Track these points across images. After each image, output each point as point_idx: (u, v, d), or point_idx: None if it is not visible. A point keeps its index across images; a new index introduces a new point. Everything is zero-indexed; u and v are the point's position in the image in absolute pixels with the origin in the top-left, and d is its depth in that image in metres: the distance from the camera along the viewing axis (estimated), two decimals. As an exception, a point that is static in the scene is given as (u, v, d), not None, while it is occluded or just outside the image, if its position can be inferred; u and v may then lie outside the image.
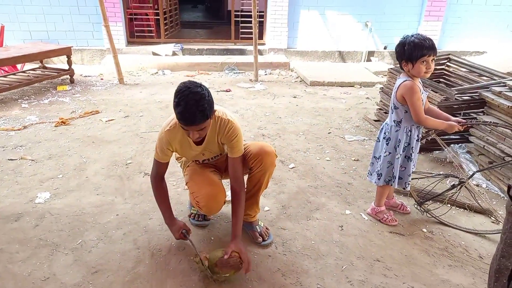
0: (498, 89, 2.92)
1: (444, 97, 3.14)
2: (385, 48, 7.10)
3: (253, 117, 4.24)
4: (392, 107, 2.21)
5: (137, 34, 6.93)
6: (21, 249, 2.09)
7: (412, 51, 2.01)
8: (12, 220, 2.33)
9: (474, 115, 3.19)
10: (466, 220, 2.48)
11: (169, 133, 1.91)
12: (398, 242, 2.24)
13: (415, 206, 2.52)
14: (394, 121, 2.22)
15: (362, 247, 2.19)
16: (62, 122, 3.88)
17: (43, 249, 2.09)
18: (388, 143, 2.25)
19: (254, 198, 2.15)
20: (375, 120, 4.09)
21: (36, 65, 5.52)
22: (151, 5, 7.34)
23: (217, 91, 5.16)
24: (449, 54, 3.96)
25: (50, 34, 6.33)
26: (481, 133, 2.97)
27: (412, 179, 2.32)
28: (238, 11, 6.86)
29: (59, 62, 6.24)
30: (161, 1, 6.86)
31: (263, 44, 6.98)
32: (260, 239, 2.17)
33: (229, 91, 5.25)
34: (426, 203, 2.50)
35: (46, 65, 5.53)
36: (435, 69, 3.91)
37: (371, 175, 2.39)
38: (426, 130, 2.62)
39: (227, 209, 2.39)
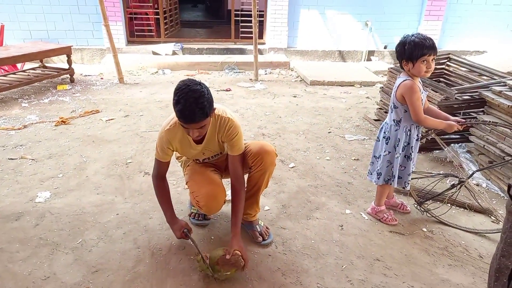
0: (498, 88, 2.92)
1: (444, 97, 3.14)
2: (385, 47, 7.10)
3: (253, 117, 4.24)
4: (392, 106, 2.21)
5: (137, 33, 6.92)
6: (22, 248, 2.09)
7: (413, 50, 2.01)
8: (13, 220, 2.33)
9: (474, 115, 3.19)
10: (466, 220, 2.48)
11: (169, 132, 1.91)
12: (398, 242, 2.24)
13: (415, 206, 2.53)
14: (393, 120, 2.22)
15: (362, 247, 2.19)
16: (62, 121, 3.88)
17: (44, 248, 2.09)
18: (387, 142, 2.25)
19: (254, 197, 2.15)
20: (375, 120, 4.10)
21: (36, 65, 5.52)
22: (151, 4, 7.32)
23: (217, 91, 5.16)
24: (449, 54, 3.96)
25: (50, 34, 6.32)
26: (481, 133, 2.97)
27: (412, 178, 2.32)
28: (238, 10, 6.85)
29: (59, 62, 6.24)
30: (161, 0, 6.85)
31: (263, 43, 6.98)
32: (260, 238, 2.17)
33: (229, 90, 5.24)
34: (426, 202, 2.50)
35: (46, 65, 5.54)
36: (435, 69, 3.90)
37: (371, 174, 2.39)
38: (426, 130, 2.62)
39: (227, 208, 2.39)
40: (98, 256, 2.04)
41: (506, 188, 2.68)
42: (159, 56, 6.54)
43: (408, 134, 2.20)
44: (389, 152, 2.26)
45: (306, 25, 6.85)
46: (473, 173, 2.51)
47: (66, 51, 5.23)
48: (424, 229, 2.36)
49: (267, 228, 2.25)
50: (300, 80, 5.94)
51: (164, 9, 7.01)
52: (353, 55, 7.04)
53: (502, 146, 2.75)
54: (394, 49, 2.16)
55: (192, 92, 1.66)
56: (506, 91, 2.84)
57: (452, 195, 2.49)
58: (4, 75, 4.92)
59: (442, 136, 3.30)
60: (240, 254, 1.86)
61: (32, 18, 6.19)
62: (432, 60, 2.03)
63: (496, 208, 2.57)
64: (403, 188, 2.34)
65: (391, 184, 2.31)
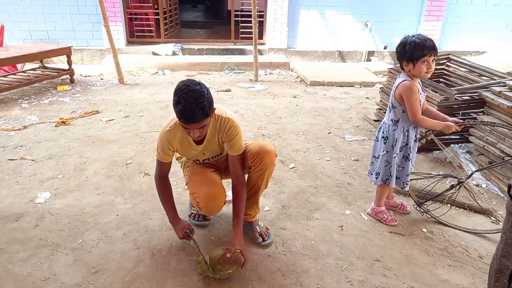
0: (498, 89, 2.92)
1: (444, 97, 3.14)
2: (385, 48, 7.10)
3: (253, 117, 4.24)
4: (390, 106, 2.22)
5: (137, 34, 6.92)
6: (21, 249, 2.09)
7: (413, 51, 2.01)
8: (12, 220, 2.33)
9: (474, 115, 3.19)
10: (466, 220, 2.48)
11: (169, 133, 1.91)
12: (398, 242, 2.24)
13: (415, 206, 2.53)
14: (391, 120, 2.23)
15: (362, 247, 2.19)
16: (62, 122, 3.88)
17: (43, 249, 2.09)
18: (385, 142, 2.26)
19: (254, 197, 2.15)
20: (375, 120, 4.10)
21: (36, 65, 5.52)
22: (151, 4, 7.33)
23: (217, 91, 5.16)
24: (449, 54, 3.96)
25: (50, 34, 6.32)
26: (481, 133, 2.97)
27: (411, 179, 2.32)
28: (238, 10, 6.86)
29: (59, 62, 6.24)
30: (161, 0, 6.86)
31: (263, 44, 6.98)
32: (260, 239, 2.17)
33: (229, 91, 5.25)
34: (425, 203, 2.50)
35: (46, 65, 5.53)
36: (435, 69, 3.90)
37: (371, 174, 2.39)
38: (426, 130, 2.62)
39: (227, 209, 2.40)
40: (98, 257, 2.04)
41: (506, 189, 2.69)
42: (159, 56, 6.54)
43: (406, 135, 2.21)
44: (387, 152, 2.27)
45: (306, 25, 6.85)
46: (472, 174, 2.51)
47: (66, 52, 5.23)
48: (424, 230, 2.36)
49: (267, 228, 2.25)
50: (300, 81, 5.94)
51: (164, 10, 7.02)
52: (353, 56, 7.05)
53: (502, 147, 2.75)
54: (395, 50, 2.16)
55: (192, 92, 1.66)
56: (505, 91, 2.84)
57: (452, 195, 2.49)
58: (4, 76, 4.92)
59: (442, 137, 3.30)
60: (240, 252, 1.86)
61: (32, 18, 6.19)
62: (432, 61, 2.04)
63: (496, 208, 2.57)
64: (402, 188, 2.34)
65: (389, 184, 2.31)
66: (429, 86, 3.31)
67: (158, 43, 6.86)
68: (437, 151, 3.36)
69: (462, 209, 2.59)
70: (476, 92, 3.15)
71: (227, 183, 2.60)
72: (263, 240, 2.18)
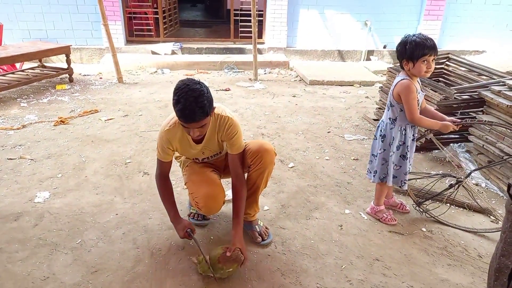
0: (497, 88, 2.92)
1: (443, 96, 3.14)
2: (384, 47, 7.10)
3: (253, 116, 4.24)
4: (388, 105, 2.23)
5: (136, 33, 6.91)
6: (21, 248, 2.09)
7: (414, 50, 2.02)
8: (12, 220, 2.33)
9: (474, 114, 3.19)
10: (466, 220, 2.48)
11: (169, 132, 1.91)
12: (397, 242, 2.25)
13: (414, 206, 2.53)
14: (389, 118, 2.24)
15: (362, 247, 2.19)
16: (61, 121, 3.87)
17: (43, 248, 2.09)
18: (383, 140, 2.28)
19: (254, 196, 2.15)
20: (375, 119, 4.09)
21: (35, 64, 5.51)
22: (150, 3, 7.32)
23: (217, 90, 5.15)
24: (449, 53, 3.96)
25: (49, 33, 6.31)
26: (481, 133, 2.97)
27: (410, 179, 2.32)
28: (237, 10, 6.85)
29: (58, 61, 6.23)
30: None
31: (263, 43, 6.97)
32: (260, 238, 2.17)
33: (228, 90, 5.24)
34: (425, 203, 2.50)
35: (45, 64, 5.52)
36: (435, 68, 3.90)
37: (370, 173, 2.40)
38: (425, 130, 2.62)
39: (226, 208, 2.39)
40: (97, 256, 2.04)
41: (505, 188, 2.69)
42: (158, 55, 6.53)
43: (404, 133, 2.21)
44: (384, 150, 2.28)
45: (306, 24, 6.85)
46: (470, 173, 2.50)
47: (65, 51, 5.22)
48: (424, 229, 2.36)
49: (266, 228, 2.25)
50: (300, 80, 5.94)
51: (163, 9, 7.01)
52: (352, 55, 7.04)
53: (501, 146, 2.75)
54: (395, 49, 2.17)
55: (192, 91, 1.66)
56: (505, 90, 2.84)
57: (450, 195, 2.49)
58: (3, 75, 4.91)
59: (441, 136, 3.30)
60: (239, 250, 1.87)
61: (31, 17, 6.18)
62: (432, 60, 2.05)
63: (495, 207, 2.57)
64: (400, 187, 2.35)
65: (386, 182, 2.32)
66: (429, 85, 3.31)
67: (157, 42, 6.85)
68: (436, 150, 3.36)
69: (461, 209, 2.59)
70: (475, 91, 3.15)
71: (226, 183, 2.60)
72: (263, 240, 2.17)
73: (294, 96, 5.06)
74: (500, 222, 2.44)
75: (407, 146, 2.22)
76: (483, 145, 2.92)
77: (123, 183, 2.79)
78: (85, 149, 3.32)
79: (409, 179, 2.51)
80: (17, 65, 5.43)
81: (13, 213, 2.39)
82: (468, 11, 6.93)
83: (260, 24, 6.57)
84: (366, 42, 6.95)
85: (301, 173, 3.02)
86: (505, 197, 2.71)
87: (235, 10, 6.91)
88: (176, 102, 1.67)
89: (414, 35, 2.04)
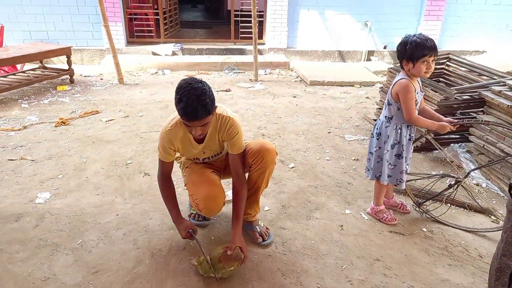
0: (497, 88, 2.92)
1: (444, 97, 3.14)
2: (385, 47, 7.10)
3: (253, 117, 4.24)
4: (386, 103, 2.25)
5: (136, 34, 6.92)
6: (21, 249, 2.09)
7: (414, 50, 2.02)
8: (12, 220, 2.33)
9: (474, 115, 3.19)
10: (466, 220, 2.48)
11: (170, 132, 1.91)
12: (398, 242, 2.24)
13: (414, 207, 2.52)
14: (385, 117, 2.26)
15: (362, 247, 2.19)
16: (62, 122, 3.88)
17: (43, 249, 2.09)
18: (378, 139, 2.29)
19: (254, 196, 2.15)
20: (375, 120, 4.09)
21: (36, 65, 5.52)
22: (151, 5, 7.33)
23: (217, 91, 5.16)
24: (449, 54, 3.96)
25: (49, 34, 6.32)
26: (481, 133, 2.97)
27: (409, 180, 2.33)
28: (237, 10, 6.86)
29: (59, 62, 6.24)
30: (161, 0, 6.85)
31: (263, 43, 6.98)
32: (260, 239, 2.17)
33: (229, 90, 5.25)
34: (424, 203, 2.50)
35: (46, 65, 5.53)
36: (435, 69, 3.90)
37: (368, 170, 2.41)
38: (426, 130, 2.63)
39: (227, 209, 2.39)
40: (98, 257, 2.04)
41: (506, 188, 2.69)
42: (159, 56, 6.54)
43: (399, 132, 2.22)
44: (380, 148, 2.30)
45: (306, 25, 6.85)
46: (469, 173, 2.50)
47: (66, 52, 5.23)
48: (424, 229, 2.36)
49: (267, 228, 2.25)
50: (300, 80, 5.94)
51: (163, 10, 7.02)
52: (352, 55, 7.05)
53: (502, 146, 2.75)
54: (395, 49, 2.17)
55: (194, 89, 1.67)
56: (505, 91, 2.84)
57: (450, 195, 2.49)
58: (4, 76, 4.92)
59: (442, 136, 3.30)
60: (239, 248, 1.87)
61: (31, 19, 6.19)
62: (432, 61, 2.05)
63: (496, 208, 2.57)
64: (395, 186, 2.35)
65: (380, 180, 2.33)
66: (429, 85, 3.31)
67: (158, 43, 6.86)
68: (437, 151, 3.36)
69: (462, 209, 2.59)
70: (476, 91, 3.15)
71: (227, 183, 2.60)
72: (263, 240, 2.17)
73: (294, 97, 5.07)
74: (500, 222, 2.44)
75: (403, 145, 2.22)
76: (484, 145, 2.92)
77: (123, 184, 2.79)
78: (86, 150, 3.32)
79: (408, 180, 2.52)
80: (18, 66, 5.45)
81: (14, 214, 2.39)
82: (468, 11, 6.93)
83: (261, 24, 6.58)
84: (367, 42, 6.95)
85: (302, 173, 3.02)
86: (505, 197, 2.70)
87: (235, 11, 6.92)
88: (179, 101, 1.68)
89: (414, 36, 2.04)
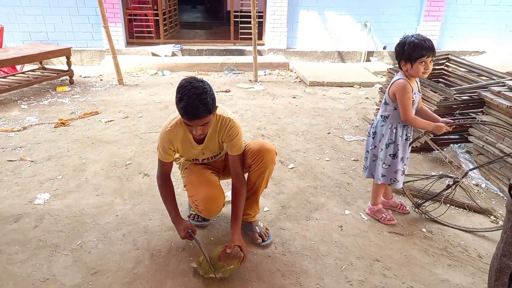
0: (497, 89, 2.92)
1: (443, 97, 3.14)
2: (384, 48, 7.11)
3: (253, 118, 4.24)
4: (383, 102, 2.26)
5: (136, 34, 6.92)
6: (21, 250, 2.09)
7: (412, 51, 2.03)
8: (12, 221, 2.33)
9: (474, 115, 3.19)
10: (466, 220, 2.48)
11: (170, 133, 1.91)
12: (397, 242, 2.24)
13: (413, 208, 2.52)
14: (381, 116, 2.27)
15: (362, 247, 2.19)
16: (61, 123, 3.88)
17: (43, 250, 2.09)
18: (373, 137, 2.30)
19: (254, 197, 2.15)
20: (375, 120, 4.10)
21: (36, 66, 5.52)
22: (151, 5, 7.34)
23: (217, 92, 5.16)
24: (448, 54, 3.96)
25: (49, 35, 6.33)
26: (480, 133, 2.97)
27: (407, 181, 2.33)
28: (237, 11, 6.87)
29: (59, 63, 6.24)
30: (161, 1, 6.87)
31: (263, 44, 6.98)
32: (260, 240, 2.17)
33: (228, 91, 5.25)
34: (423, 205, 2.50)
35: (46, 66, 5.53)
36: (435, 69, 3.91)
37: (365, 169, 2.43)
38: (425, 131, 2.63)
39: (227, 209, 2.39)
40: (97, 258, 2.04)
41: (505, 188, 2.69)
42: (159, 57, 6.55)
43: (394, 132, 2.22)
44: (375, 147, 2.31)
45: (305, 26, 6.86)
46: (466, 173, 2.50)
47: (66, 53, 5.23)
48: (424, 230, 2.36)
49: (266, 229, 2.25)
50: (300, 81, 5.95)
51: (163, 10, 7.02)
52: (352, 56, 7.05)
53: (501, 146, 2.75)
54: (394, 49, 2.18)
55: (195, 89, 1.67)
56: (505, 91, 2.84)
57: (448, 195, 2.49)
58: (4, 77, 4.92)
59: (441, 137, 3.30)
60: (239, 247, 1.88)
61: (31, 19, 6.19)
62: (430, 61, 2.06)
63: (495, 208, 2.57)
64: (389, 185, 2.35)
65: (373, 178, 2.33)
66: (429, 86, 3.31)
67: (157, 44, 6.86)
68: (436, 151, 3.36)
69: (461, 209, 2.59)
70: (475, 92, 3.15)
71: (226, 184, 2.60)
72: (263, 241, 2.17)
73: (294, 97, 5.07)
74: (500, 222, 2.44)
75: (398, 145, 2.23)
76: (483, 145, 2.92)
77: (123, 185, 2.79)
78: (86, 150, 3.32)
79: (406, 181, 2.53)
80: (18, 67, 5.44)
81: (13, 215, 2.39)
82: (467, 11, 6.94)
83: (260, 25, 6.59)
84: (366, 43, 6.95)
85: (301, 174, 3.02)
86: (505, 198, 2.70)
87: (235, 11, 6.93)
88: (180, 100, 1.68)
89: (412, 36, 2.05)
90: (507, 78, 3.17)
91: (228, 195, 2.37)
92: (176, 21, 8.47)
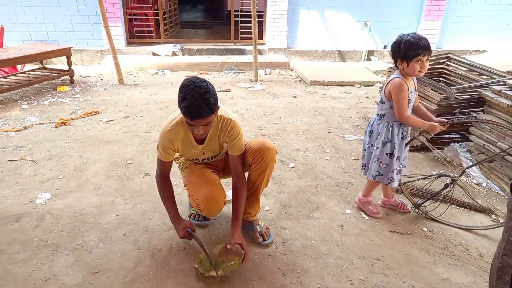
0: (497, 88, 2.92)
1: (444, 96, 3.14)
2: (384, 47, 7.10)
3: (253, 117, 4.24)
4: (380, 101, 2.27)
5: (136, 34, 6.92)
6: (22, 249, 2.09)
7: (408, 50, 2.04)
8: (13, 221, 2.33)
9: (474, 114, 3.19)
10: (466, 219, 2.47)
11: (171, 132, 1.91)
12: (398, 241, 2.24)
13: (413, 208, 2.52)
14: (377, 114, 2.28)
15: (362, 246, 2.19)
16: (62, 122, 3.88)
17: (44, 249, 2.09)
18: (370, 136, 2.31)
19: (255, 196, 2.15)
20: (375, 120, 4.09)
21: (36, 66, 5.52)
22: (151, 5, 7.34)
23: (217, 91, 5.13)
24: (449, 53, 3.96)
25: (49, 35, 6.33)
26: (481, 132, 2.97)
27: (405, 182, 2.32)
28: (237, 11, 6.86)
29: (59, 63, 6.24)
30: (161, 1, 6.86)
31: (263, 44, 6.98)
32: (261, 239, 2.17)
33: (229, 91, 5.25)
34: (423, 204, 2.50)
35: (46, 66, 5.53)
36: (435, 68, 3.91)
37: (364, 167, 2.43)
38: (423, 130, 2.63)
39: (227, 209, 2.39)
40: (98, 257, 2.04)
41: (506, 187, 2.69)
42: (159, 57, 6.55)
43: (390, 131, 2.22)
44: (372, 145, 2.32)
45: (306, 25, 6.85)
46: (464, 171, 2.49)
47: (66, 53, 5.23)
48: (424, 229, 2.36)
49: (267, 228, 2.25)
50: (300, 80, 5.94)
51: (163, 10, 7.02)
52: (352, 55, 7.05)
53: (502, 145, 2.75)
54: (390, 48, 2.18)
55: (198, 88, 1.67)
56: (505, 90, 2.84)
57: (447, 194, 2.49)
58: (4, 77, 4.93)
59: (442, 136, 3.30)
60: (240, 245, 1.88)
61: (31, 19, 6.19)
62: (426, 60, 2.06)
63: (496, 207, 2.57)
64: (387, 184, 2.35)
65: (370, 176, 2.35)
66: (429, 85, 3.31)
67: (158, 44, 6.86)
68: (437, 150, 3.36)
69: (462, 208, 2.59)
70: (476, 91, 3.15)
71: (227, 183, 2.60)
72: (264, 240, 2.17)
73: (294, 97, 5.07)
74: (501, 220, 2.43)
75: (394, 144, 2.23)
76: (484, 144, 2.92)
77: (124, 184, 2.79)
78: (86, 150, 3.32)
79: (405, 182, 2.52)
80: (18, 67, 5.45)
81: (14, 215, 2.39)
82: (468, 11, 6.93)
83: (260, 25, 6.58)
84: (366, 42, 6.95)
85: (302, 173, 3.01)
86: (506, 196, 2.70)
87: (235, 11, 6.92)
88: (182, 99, 1.68)
89: (408, 35, 2.05)
90: (508, 77, 3.17)
91: (229, 194, 2.37)
92: (176, 21, 8.47)
